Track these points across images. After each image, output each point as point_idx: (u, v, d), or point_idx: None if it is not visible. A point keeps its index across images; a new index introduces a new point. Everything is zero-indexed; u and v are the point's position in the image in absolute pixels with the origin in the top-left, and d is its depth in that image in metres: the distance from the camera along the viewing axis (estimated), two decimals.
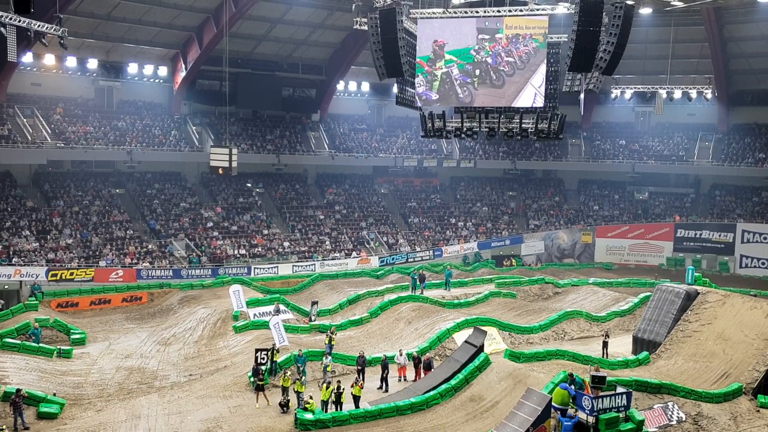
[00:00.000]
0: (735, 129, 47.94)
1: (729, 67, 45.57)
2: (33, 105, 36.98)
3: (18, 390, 18.69)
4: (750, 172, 45.40)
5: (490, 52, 27.71)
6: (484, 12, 27.58)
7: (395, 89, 31.14)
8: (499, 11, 27.45)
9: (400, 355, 22.85)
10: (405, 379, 22.48)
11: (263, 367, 21.13)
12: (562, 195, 51.08)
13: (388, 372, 22.19)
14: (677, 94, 42.10)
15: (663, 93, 42.02)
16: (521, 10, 27.43)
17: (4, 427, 17.08)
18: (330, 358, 22.63)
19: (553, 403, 17.60)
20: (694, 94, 41.83)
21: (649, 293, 29.58)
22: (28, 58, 35.43)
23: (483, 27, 27.84)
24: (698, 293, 25.86)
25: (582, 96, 39.25)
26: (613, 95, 44.91)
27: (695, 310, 25.17)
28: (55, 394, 20.31)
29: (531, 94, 27.57)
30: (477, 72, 27.98)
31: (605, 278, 39.04)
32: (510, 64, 27.66)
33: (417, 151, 48.82)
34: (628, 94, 45.09)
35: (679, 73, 43.57)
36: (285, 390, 20.25)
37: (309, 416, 18.72)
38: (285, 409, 20.03)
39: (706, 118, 48.39)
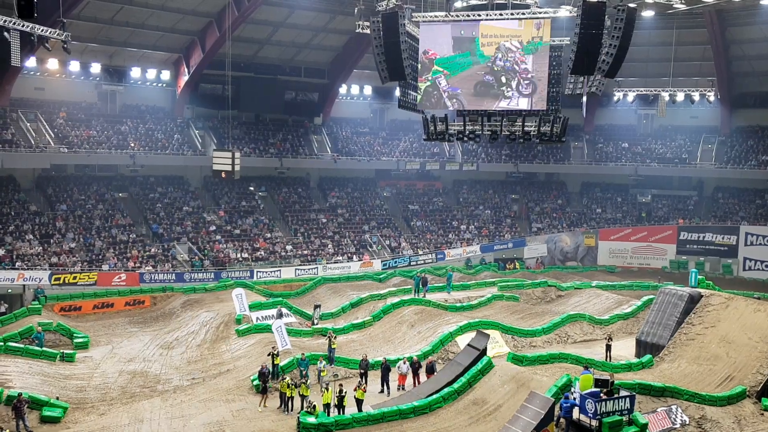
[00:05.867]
0: (738, 131, 47.86)
1: (731, 70, 45.53)
2: (36, 109, 37.10)
3: (19, 394, 18.73)
4: (753, 174, 45.29)
5: (486, 62, 27.77)
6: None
7: (398, 92, 31.23)
8: (501, 14, 27.52)
9: (404, 363, 22.80)
10: (404, 388, 22.47)
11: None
12: (564, 198, 51.02)
13: (389, 375, 22.19)
14: (680, 96, 42.04)
15: (665, 96, 41.98)
16: (524, 13, 27.47)
17: (7, 430, 17.11)
18: (324, 362, 22.56)
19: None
20: (696, 96, 41.74)
21: (652, 296, 29.52)
22: (31, 62, 35.65)
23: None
24: (701, 296, 25.78)
25: (584, 99, 39.31)
26: (615, 98, 44.84)
27: (698, 313, 25.10)
28: (58, 398, 20.32)
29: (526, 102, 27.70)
30: (468, 83, 27.98)
31: (608, 281, 38.97)
32: (507, 73, 27.72)
33: (419, 154, 48.83)
34: (631, 96, 44.98)
35: (681, 75, 43.51)
36: (282, 395, 20.29)
37: (312, 419, 18.70)
38: (287, 411, 20.05)
39: (708, 120, 48.33)
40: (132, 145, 38.89)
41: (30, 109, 36.83)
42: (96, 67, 38.69)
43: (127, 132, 39.58)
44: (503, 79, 27.74)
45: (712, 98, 42.37)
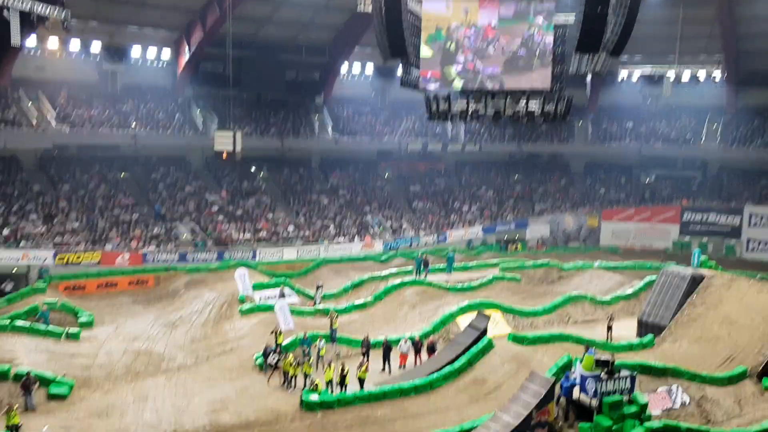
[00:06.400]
0: (744, 111, 47.42)
1: (739, 48, 44.89)
2: (38, 89, 36.94)
3: (28, 373, 19.00)
4: (758, 154, 44.95)
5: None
6: None
7: (399, 71, 30.92)
8: None
9: (405, 342, 22.95)
10: (405, 367, 22.66)
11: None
12: (568, 178, 50.82)
13: (390, 354, 22.36)
14: (685, 75, 41.58)
15: (671, 75, 41.52)
16: None
17: (16, 406, 17.36)
18: (323, 341, 22.69)
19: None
20: (702, 75, 41.29)
21: (654, 277, 29.50)
22: (31, 41, 35.31)
23: None
24: (704, 277, 25.78)
25: (589, 78, 38.99)
26: (620, 77, 44.46)
27: (701, 293, 25.11)
28: (64, 376, 20.55)
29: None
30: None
31: (610, 262, 38.94)
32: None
33: (421, 134, 48.49)
34: (636, 75, 44.60)
35: (687, 54, 43.01)
36: (285, 373, 20.49)
37: (314, 397, 18.89)
38: (290, 388, 20.26)
39: (714, 100, 47.80)
40: (133, 124, 38.77)
41: (31, 89, 36.67)
42: (96, 46, 38.39)
43: (128, 111, 39.44)
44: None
45: (718, 77, 41.88)
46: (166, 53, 40.91)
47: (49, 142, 36.07)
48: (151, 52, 40.30)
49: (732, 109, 47.48)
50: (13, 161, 35.84)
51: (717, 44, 43.79)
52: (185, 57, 40.73)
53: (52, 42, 36.54)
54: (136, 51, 39.91)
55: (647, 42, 43.98)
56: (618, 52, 24.43)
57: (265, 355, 21.51)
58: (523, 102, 28.11)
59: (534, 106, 28.02)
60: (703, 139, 47.44)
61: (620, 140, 48.94)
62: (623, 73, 43.88)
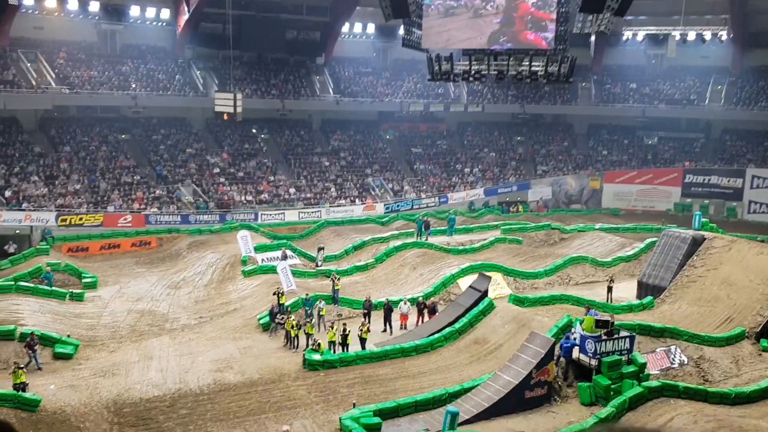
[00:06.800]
0: (749, 72, 46.79)
1: (747, 7, 44.05)
2: (36, 49, 36.47)
3: (32, 333, 19.26)
4: (763, 116, 44.51)
5: None
6: None
7: (401, 31, 30.45)
8: None
9: (405, 303, 23.16)
10: (406, 328, 22.91)
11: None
12: (571, 140, 50.49)
13: (391, 315, 22.61)
14: (691, 35, 40.84)
15: (676, 35, 40.82)
16: None
17: (22, 365, 17.64)
18: (323, 302, 22.92)
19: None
20: (708, 35, 40.54)
21: (655, 238, 29.61)
22: (29, 0, 34.76)
23: None
24: (705, 239, 25.86)
25: (593, 38, 38.34)
26: (624, 37, 43.69)
27: (701, 255, 25.23)
28: (69, 336, 20.83)
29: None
30: None
31: (612, 224, 39.03)
32: None
33: (423, 95, 48.01)
34: (640, 35, 43.82)
35: (693, 13, 42.15)
36: (288, 333, 20.78)
37: (317, 356, 19.17)
38: (292, 348, 20.56)
39: (719, 60, 47.16)
40: (133, 86, 38.38)
41: (30, 49, 36.20)
42: (94, 6, 37.75)
43: (128, 72, 39.01)
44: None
45: (724, 37, 41.13)
46: (165, 13, 40.26)
47: (48, 104, 35.77)
48: (150, 11, 39.68)
49: (737, 70, 46.85)
50: (14, 122, 35.62)
51: (724, 3, 42.88)
52: (184, 17, 40.04)
53: (50, 1, 36.07)
54: (134, 11, 39.31)
55: (652, 1, 43.14)
56: (622, 11, 24.03)
57: (272, 315, 21.77)
58: (526, 62, 27.76)
59: (537, 66, 27.68)
60: (707, 100, 46.94)
61: (624, 101, 48.45)
62: (627, 33, 43.07)
